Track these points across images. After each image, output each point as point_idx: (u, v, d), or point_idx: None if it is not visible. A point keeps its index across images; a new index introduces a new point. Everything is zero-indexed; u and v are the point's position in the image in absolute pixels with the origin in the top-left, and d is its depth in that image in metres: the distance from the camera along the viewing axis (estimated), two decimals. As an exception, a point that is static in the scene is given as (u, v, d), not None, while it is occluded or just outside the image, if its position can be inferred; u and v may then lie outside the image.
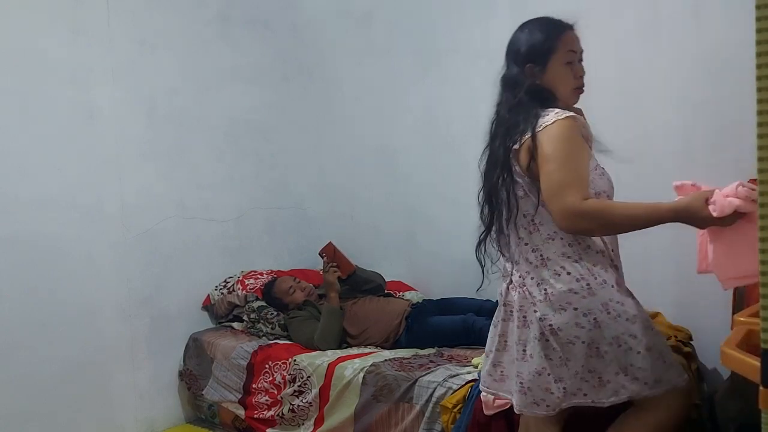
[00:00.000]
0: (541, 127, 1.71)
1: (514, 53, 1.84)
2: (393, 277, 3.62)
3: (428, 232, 3.57)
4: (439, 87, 3.43)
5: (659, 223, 1.62)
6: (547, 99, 1.80)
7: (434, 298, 3.34)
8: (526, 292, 1.77)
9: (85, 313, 3.03)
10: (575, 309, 1.71)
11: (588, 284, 1.72)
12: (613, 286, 1.73)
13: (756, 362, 0.96)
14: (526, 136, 1.73)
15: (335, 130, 3.90)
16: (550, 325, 1.73)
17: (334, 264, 3.25)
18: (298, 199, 3.93)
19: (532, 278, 1.77)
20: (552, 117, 1.72)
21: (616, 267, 1.80)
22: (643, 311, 1.78)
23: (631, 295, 1.79)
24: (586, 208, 1.62)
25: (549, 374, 1.74)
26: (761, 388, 0.93)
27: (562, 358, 1.73)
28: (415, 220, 3.61)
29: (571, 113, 1.76)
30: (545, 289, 1.74)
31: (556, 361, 1.74)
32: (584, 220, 1.63)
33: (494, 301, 1.67)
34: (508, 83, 1.84)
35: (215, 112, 3.54)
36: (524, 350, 1.78)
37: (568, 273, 1.73)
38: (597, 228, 1.67)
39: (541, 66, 1.81)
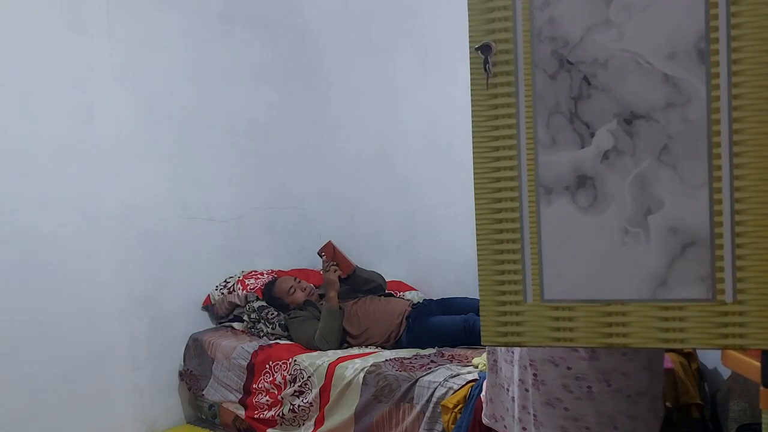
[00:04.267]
0: None
1: None
2: (393, 277, 3.62)
3: (428, 232, 3.57)
4: (439, 87, 3.43)
5: None
6: None
7: (435, 298, 3.34)
8: None
9: (85, 313, 3.03)
10: None
11: None
12: None
13: (756, 362, 0.96)
14: None
15: (335, 130, 3.90)
16: None
17: (334, 263, 3.25)
18: (298, 199, 3.93)
19: None
20: None
21: None
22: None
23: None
24: None
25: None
26: (761, 388, 0.93)
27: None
28: (416, 220, 3.61)
29: None
30: None
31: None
32: None
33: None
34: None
35: (216, 112, 3.54)
36: None
37: None
38: None
39: None
